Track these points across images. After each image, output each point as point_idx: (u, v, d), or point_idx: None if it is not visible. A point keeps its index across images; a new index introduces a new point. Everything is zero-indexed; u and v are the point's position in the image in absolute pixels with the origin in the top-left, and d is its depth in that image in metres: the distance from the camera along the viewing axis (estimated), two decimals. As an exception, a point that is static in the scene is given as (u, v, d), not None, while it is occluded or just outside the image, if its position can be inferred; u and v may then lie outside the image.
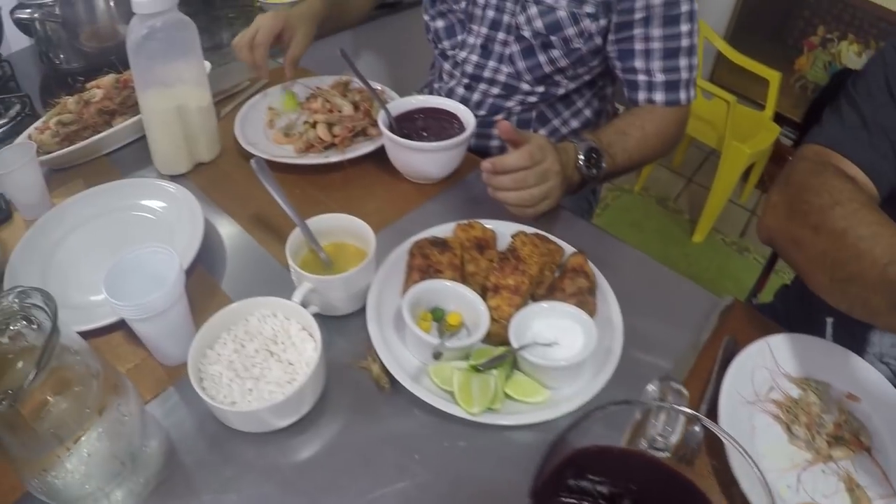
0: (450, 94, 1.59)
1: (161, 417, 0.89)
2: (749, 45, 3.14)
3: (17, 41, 1.99)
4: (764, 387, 0.89)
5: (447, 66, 1.60)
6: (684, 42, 1.29)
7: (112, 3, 1.69)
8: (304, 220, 1.00)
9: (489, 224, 1.09)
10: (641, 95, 1.36)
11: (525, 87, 1.47)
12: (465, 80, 1.55)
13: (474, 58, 1.50)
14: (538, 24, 1.35)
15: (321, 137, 1.30)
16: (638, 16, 1.27)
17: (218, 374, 0.85)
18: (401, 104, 1.30)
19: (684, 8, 1.26)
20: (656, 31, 1.28)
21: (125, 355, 0.97)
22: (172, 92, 1.22)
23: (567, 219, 1.20)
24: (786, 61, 3.28)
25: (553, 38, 1.36)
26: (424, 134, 1.25)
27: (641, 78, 1.34)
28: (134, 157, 1.40)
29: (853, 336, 1.07)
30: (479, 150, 1.56)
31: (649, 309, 1.00)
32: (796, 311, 1.30)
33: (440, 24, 1.55)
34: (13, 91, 1.79)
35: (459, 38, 1.52)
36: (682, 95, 1.35)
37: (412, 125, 1.28)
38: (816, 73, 3.25)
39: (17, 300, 0.72)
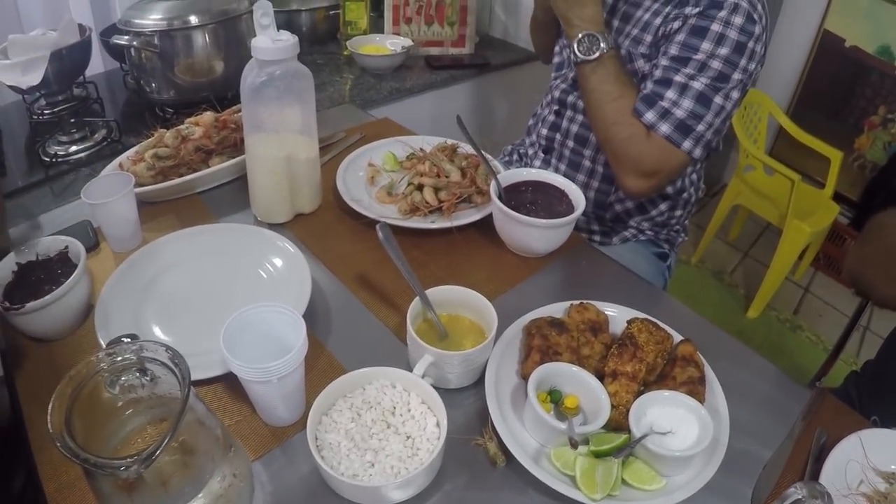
0: (542, 120, 1.69)
1: (266, 481, 0.87)
2: (809, 121, 3.15)
3: (96, 64, 2.02)
4: (855, 480, 0.89)
5: (546, 100, 1.73)
6: (679, 78, 1.30)
7: (208, 40, 1.71)
8: (423, 291, 0.99)
9: (602, 306, 1.08)
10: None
11: None
12: (555, 107, 1.66)
13: (564, 85, 1.62)
14: None
15: (427, 201, 1.29)
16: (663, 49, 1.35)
17: (336, 443, 0.83)
18: (510, 175, 1.30)
19: (698, 57, 1.28)
20: (663, 60, 1.33)
21: (228, 409, 0.95)
22: (282, 139, 1.22)
23: (664, 302, 1.20)
24: (845, 139, 3.27)
25: None
26: (532, 207, 1.25)
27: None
28: (227, 199, 1.40)
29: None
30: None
31: (741, 395, 0.99)
32: (867, 399, 1.32)
33: (557, 59, 1.71)
34: (97, 114, 1.82)
35: (563, 71, 1.66)
36: (651, 116, 1.32)
37: (520, 197, 1.27)
38: (875, 152, 3.23)
39: (134, 354, 0.71)
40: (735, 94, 1.32)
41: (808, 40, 3.34)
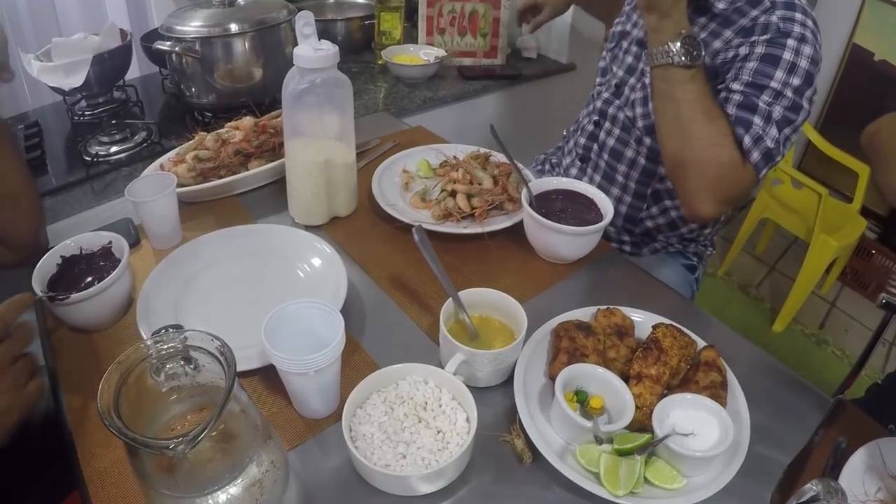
0: (580, 129, 1.69)
1: (300, 469, 0.90)
2: (838, 135, 3.11)
3: (133, 68, 2.07)
4: (872, 487, 0.90)
5: (585, 111, 1.71)
6: (763, 105, 1.24)
7: (248, 47, 1.75)
8: (457, 292, 1.03)
9: (628, 311, 1.10)
10: None
11: (636, 134, 1.51)
12: (595, 117, 1.63)
13: (606, 94, 1.60)
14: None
15: (460, 207, 1.33)
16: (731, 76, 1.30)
17: (370, 434, 0.86)
18: (541, 184, 1.33)
19: (773, 85, 1.24)
20: (736, 85, 1.27)
21: (264, 401, 0.99)
22: (320, 145, 1.26)
23: (689, 311, 1.22)
24: (874, 154, 3.23)
25: None
26: (562, 215, 1.27)
27: None
28: (264, 201, 1.44)
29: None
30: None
31: (762, 401, 1.01)
32: (887, 409, 1.33)
33: (601, 64, 1.68)
34: (136, 116, 1.88)
35: (607, 76, 1.64)
36: (748, 141, 1.24)
37: (550, 205, 1.30)
38: (905, 167, 3.20)
39: (180, 343, 0.74)
40: (801, 127, 1.31)
41: (838, 54, 3.35)
